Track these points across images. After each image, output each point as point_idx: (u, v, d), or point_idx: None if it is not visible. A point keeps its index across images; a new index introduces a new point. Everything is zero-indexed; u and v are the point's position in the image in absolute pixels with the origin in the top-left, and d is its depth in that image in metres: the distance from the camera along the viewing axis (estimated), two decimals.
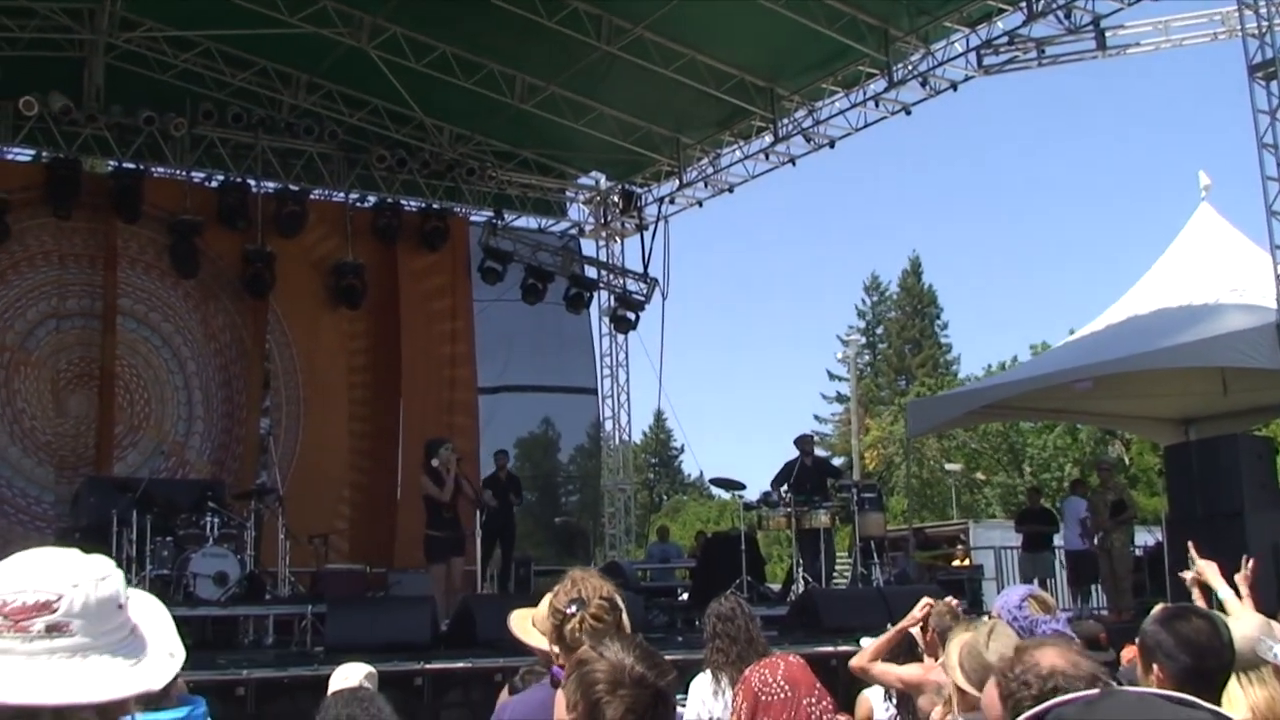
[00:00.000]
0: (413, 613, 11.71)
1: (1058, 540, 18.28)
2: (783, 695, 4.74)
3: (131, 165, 17.64)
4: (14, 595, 1.59)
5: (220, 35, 17.25)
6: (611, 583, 3.81)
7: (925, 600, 5.41)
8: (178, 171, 18.24)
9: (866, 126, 18.21)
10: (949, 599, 5.53)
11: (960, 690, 3.90)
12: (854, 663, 5.48)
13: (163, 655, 1.70)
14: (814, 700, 4.80)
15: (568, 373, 21.72)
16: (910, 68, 17.16)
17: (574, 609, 3.63)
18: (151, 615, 1.75)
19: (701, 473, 60.14)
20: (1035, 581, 15.22)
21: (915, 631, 5.48)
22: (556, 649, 3.68)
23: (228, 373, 18.45)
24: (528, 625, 5.88)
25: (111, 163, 17.86)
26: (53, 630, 1.59)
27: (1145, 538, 18.49)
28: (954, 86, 17.13)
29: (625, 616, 3.99)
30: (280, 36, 16.78)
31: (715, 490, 51.02)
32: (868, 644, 5.52)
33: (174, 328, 18.16)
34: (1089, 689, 2.70)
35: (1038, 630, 4.47)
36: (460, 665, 10.07)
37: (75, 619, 1.60)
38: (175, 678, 1.81)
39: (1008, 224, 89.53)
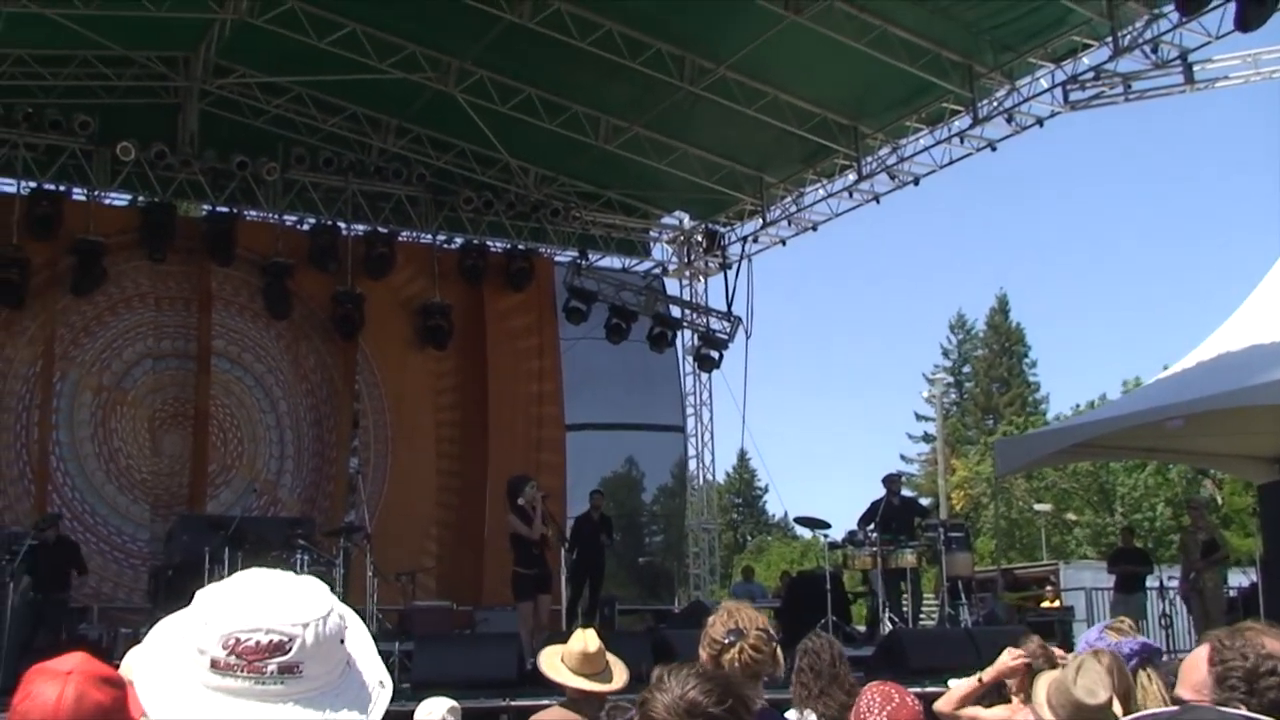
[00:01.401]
0: (499, 650, 11.78)
1: (1151, 581, 17.97)
2: None
3: (225, 209, 18.05)
4: (248, 634, 1.57)
5: (311, 81, 17.64)
6: (764, 615, 3.84)
7: (1017, 652, 5.34)
8: (270, 215, 18.64)
9: (951, 163, 18.09)
10: (1034, 639, 5.46)
11: None
12: (939, 706, 5.42)
13: (375, 687, 1.69)
14: None
15: (653, 410, 21.77)
16: (995, 104, 17.05)
17: (732, 639, 3.66)
18: (358, 640, 1.73)
19: (786, 513, 59.79)
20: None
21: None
22: None
23: (318, 412, 18.74)
24: (556, 662, 5.93)
25: (205, 207, 18.29)
26: (285, 672, 1.57)
27: (1239, 579, 18.11)
28: (1040, 122, 16.98)
29: (780, 650, 4.03)
30: (370, 82, 17.09)
31: (800, 530, 50.77)
32: (956, 685, 5.47)
33: (266, 368, 18.50)
34: None
35: (1124, 650, 4.43)
36: (545, 702, 10.07)
37: (306, 660, 1.59)
38: None
39: (1097, 260, 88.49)
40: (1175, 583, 17.09)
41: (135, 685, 1.63)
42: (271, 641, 1.57)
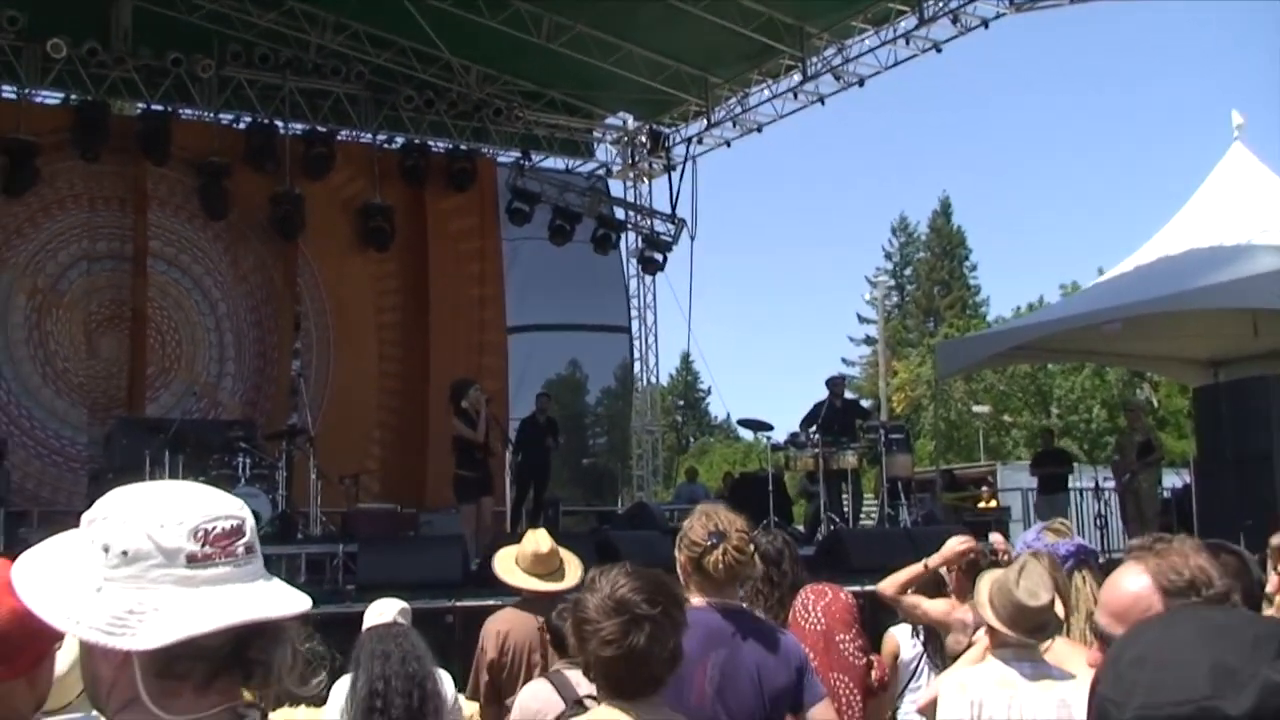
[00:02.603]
0: (444, 551, 11.84)
1: (1086, 482, 18.25)
2: (818, 627, 4.77)
3: (159, 107, 17.66)
4: (211, 522, 1.60)
5: None
6: (743, 518, 3.81)
7: (967, 539, 5.40)
8: (205, 113, 18.25)
9: (897, 65, 18.08)
10: (996, 538, 5.51)
11: (990, 628, 3.93)
12: (881, 588, 5.48)
13: None
14: (848, 639, 4.83)
15: (597, 312, 21.72)
16: (941, 4, 16.98)
17: (714, 541, 3.63)
18: None
19: (729, 415, 60.19)
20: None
21: (945, 572, 5.49)
22: (690, 582, 3.67)
23: (259, 314, 18.55)
24: (510, 564, 5.96)
25: (140, 105, 17.90)
26: (249, 551, 1.63)
27: (1173, 480, 18.43)
28: (985, 24, 16.94)
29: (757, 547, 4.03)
30: None
31: (742, 432, 51.08)
32: (892, 577, 5.53)
33: (204, 270, 18.25)
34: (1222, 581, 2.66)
35: (1060, 552, 4.50)
36: (491, 603, 10.11)
37: (255, 539, 1.65)
38: None
39: (1038, 165, 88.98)
40: (1111, 483, 17.38)
41: (94, 629, 1.57)
42: (233, 525, 1.62)
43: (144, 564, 1.57)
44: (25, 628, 2.14)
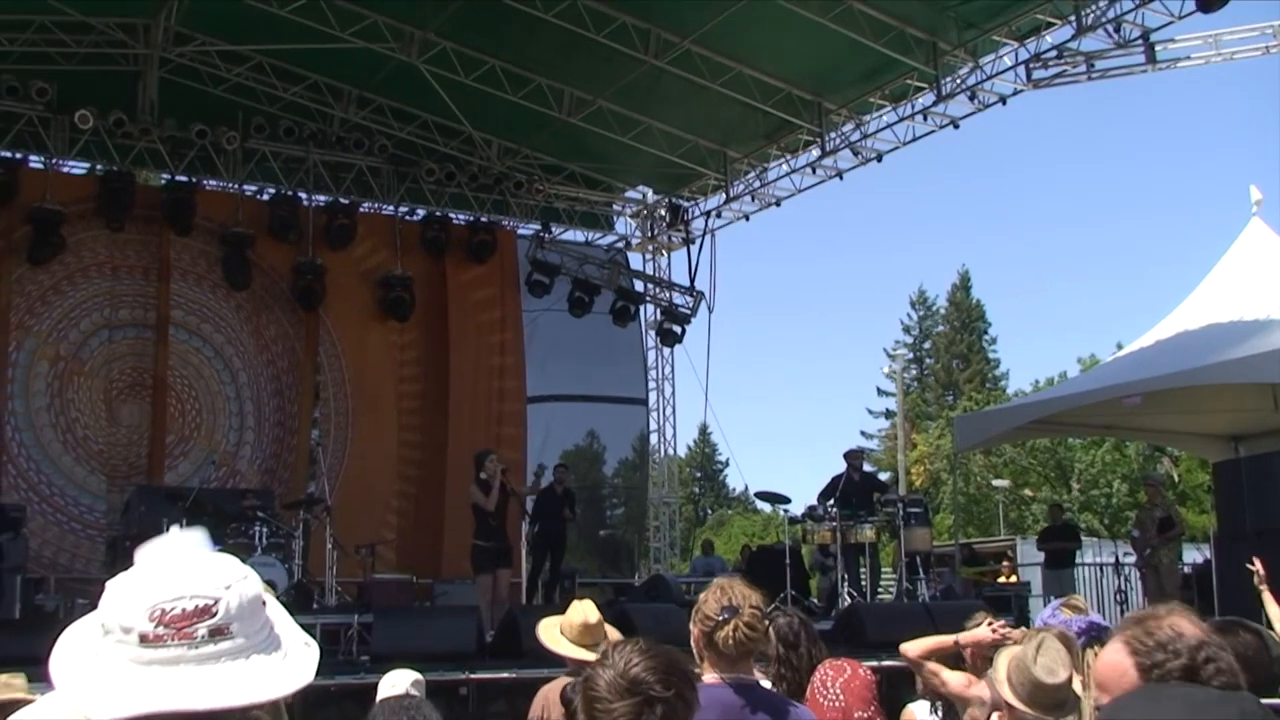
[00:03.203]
0: (459, 622, 11.77)
1: (1107, 557, 18.12)
2: (837, 704, 4.74)
3: (184, 178, 17.88)
4: (172, 602, 1.58)
5: (272, 50, 17.46)
6: (758, 593, 3.79)
7: (1001, 623, 5.33)
8: (230, 184, 18.48)
9: (914, 140, 18.20)
10: (1009, 626, 5.45)
11: (1009, 705, 3.90)
12: (906, 649, 5.42)
13: (301, 647, 1.71)
14: (866, 715, 4.80)
15: (616, 383, 21.78)
16: (958, 81, 17.11)
17: (726, 616, 3.61)
18: (277, 608, 1.75)
19: (746, 487, 59.94)
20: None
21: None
22: (704, 656, 3.65)
23: (279, 383, 18.64)
24: (556, 634, 5.92)
25: (165, 175, 18.11)
26: (215, 634, 1.59)
27: (1194, 555, 18.32)
28: (1003, 100, 17.07)
29: (773, 628, 4.00)
30: (331, 51, 16.94)
31: (760, 504, 50.94)
32: (921, 642, 5.47)
33: (225, 339, 18.37)
34: (1227, 654, 2.67)
35: (1073, 629, 4.46)
36: (505, 675, 10.12)
37: (233, 621, 1.60)
38: None
39: (1057, 238, 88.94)
40: (1131, 558, 17.25)
41: (62, 691, 1.60)
42: (197, 606, 1.59)
43: (111, 638, 1.59)
44: None
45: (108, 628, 1.60)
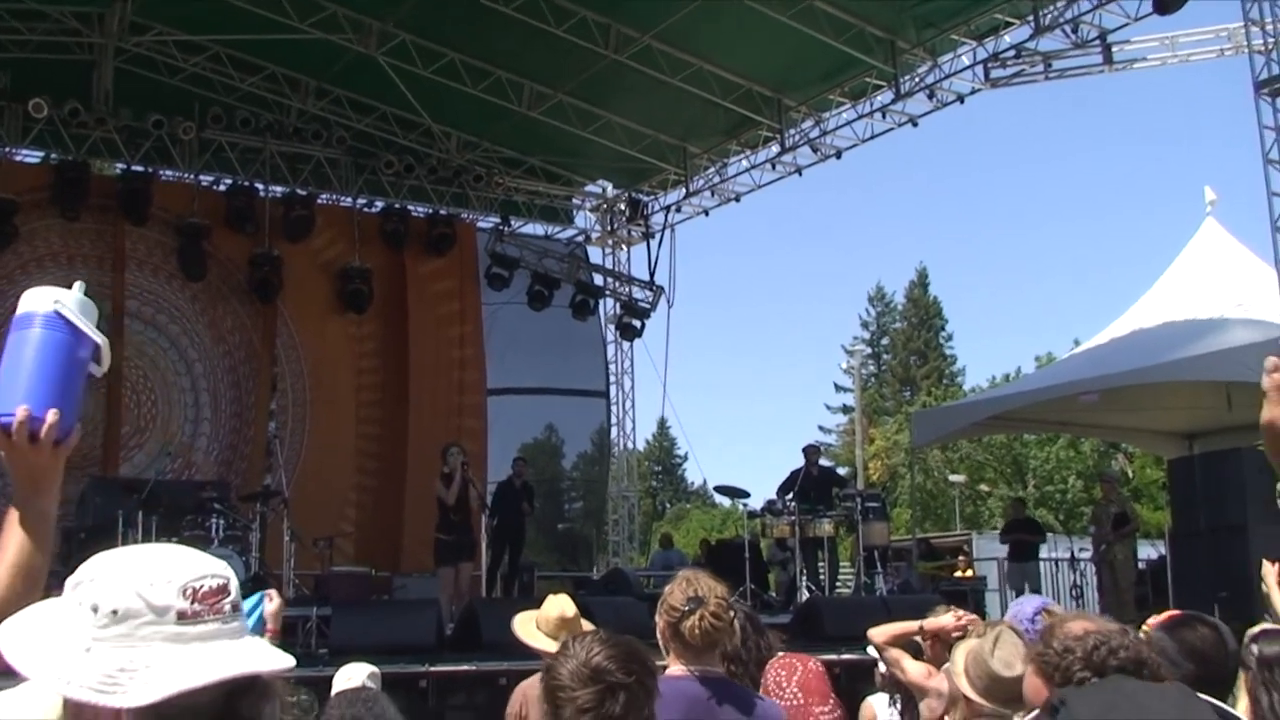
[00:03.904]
0: (418, 616, 11.75)
1: (1062, 552, 18.26)
2: (795, 702, 4.74)
3: (140, 168, 17.71)
4: (200, 580, 1.62)
5: (229, 40, 17.32)
6: (723, 585, 3.79)
7: (965, 617, 5.35)
8: (186, 175, 18.30)
9: (873, 138, 18.29)
10: (968, 615, 5.47)
11: (966, 698, 3.92)
12: (873, 633, 5.43)
13: None
14: (826, 710, 4.81)
15: (575, 376, 21.80)
16: (917, 80, 17.20)
17: (691, 607, 3.61)
18: None
19: (705, 480, 60.14)
20: (1025, 591, 15.23)
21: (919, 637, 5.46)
22: (669, 649, 3.65)
23: (236, 374, 18.51)
24: (532, 628, 5.90)
25: (120, 165, 17.95)
26: (235, 610, 1.64)
27: (1148, 551, 18.49)
28: (961, 99, 17.19)
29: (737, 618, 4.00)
30: (289, 42, 16.82)
31: (718, 498, 51.02)
32: (887, 627, 5.48)
33: (181, 330, 18.22)
34: (1125, 644, 2.77)
35: None
36: (465, 668, 10.11)
37: (239, 599, 1.66)
38: None
39: (1014, 236, 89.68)
40: (1087, 554, 17.41)
41: (85, 688, 1.57)
42: (219, 584, 1.63)
43: (134, 622, 1.58)
44: None
45: (129, 613, 1.59)
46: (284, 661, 1.64)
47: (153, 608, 1.59)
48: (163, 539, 12.88)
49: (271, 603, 5.24)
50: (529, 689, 5.77)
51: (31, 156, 17.94)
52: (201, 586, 1.61)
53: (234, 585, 1.65)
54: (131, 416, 17.61)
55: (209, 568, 1.64)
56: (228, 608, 1.63)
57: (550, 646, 5.79)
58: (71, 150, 17.22)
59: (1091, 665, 2.78)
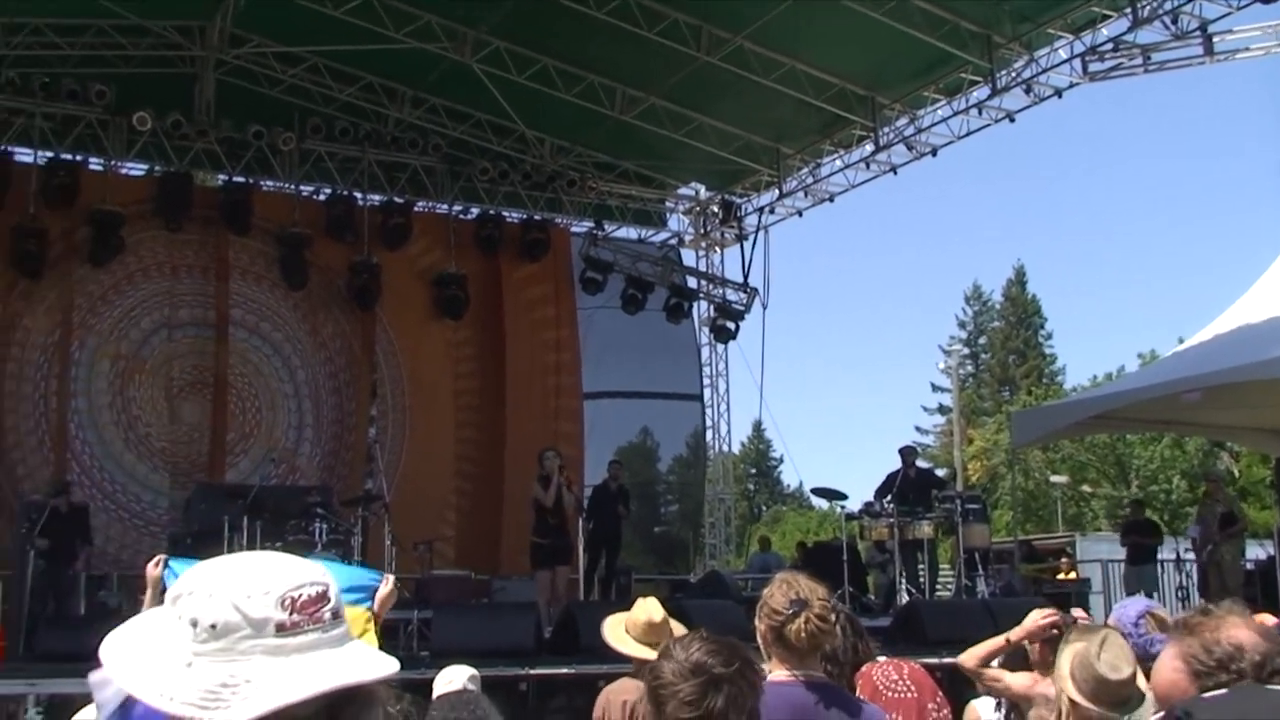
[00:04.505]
0: (517, 618, 11.83)
1: (1168, 554, 17.94)
2: (909, 695, 4.70)
3: (241, 179, 18.05)
4: (298, 589, 1.60)
5: (327, 50, 17.59)
6: (824, 586, 3.73)
7: (1051, 612, 5.28)
8: (286, 185, 18.63)
9: (969, 134, 18.08)
10: (1078, 613, 5.38)
11: (1072, 702, 3.87)
12: (962, 660, 5.36)
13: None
14: (936, 706, 4.76)
15: (670, 380, 21.81)
16: (1014, 75, 16.99)
17: (795, 610, 3.55)
18: None
19: (801, 483, 59.78)
20: (1140, 595, 14.97)
21: (1026, 643, 5.39)
22: (771, 653, 3.58)
23: (337, 381, 18.80)
24: (621, 632, 5.90)
25: (222, 176, 18.29)
26: (336, 617, 1.61)
27: (1256, 551, 18.08)
28: (1058, 93, 16.94)
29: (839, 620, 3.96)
30: (386, 52, 17.04)
31: (815, 501, 50.68)
32: (975, 649, 5.42)
33: (284, 337, 18.55)
34: None
35: (1152, 649, 4.39)
36: (564, 671, 10.16)
37: (340, 605, 1.64)
38: None
39: (1115, 233, 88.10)
40: (1192, 555, 17.08)
41: (187, 704, 1.56)
42: (319, 592, 1.61)
43: (233, 636, 1.57)
44: None
45: (226, 627, 1.57)
46: (386, 668, 1.62)
47: (251, 621, 1.57)
48: (267, 544, 13.11)
49: (385, 586, 5.29)
50: (611, 694, 5.79)
51: (136, 169, 18.36)
52: (300, 596, 1.59)
53: (334, 591, 1.63)
54: (236, 423, 17.95)
55: (307, 576, 1.62)
56: (328, 615, 1.60)
57: (638, 651, 5.80)
58: (174, 162, 17.60)
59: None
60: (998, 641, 5.32)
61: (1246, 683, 2.66)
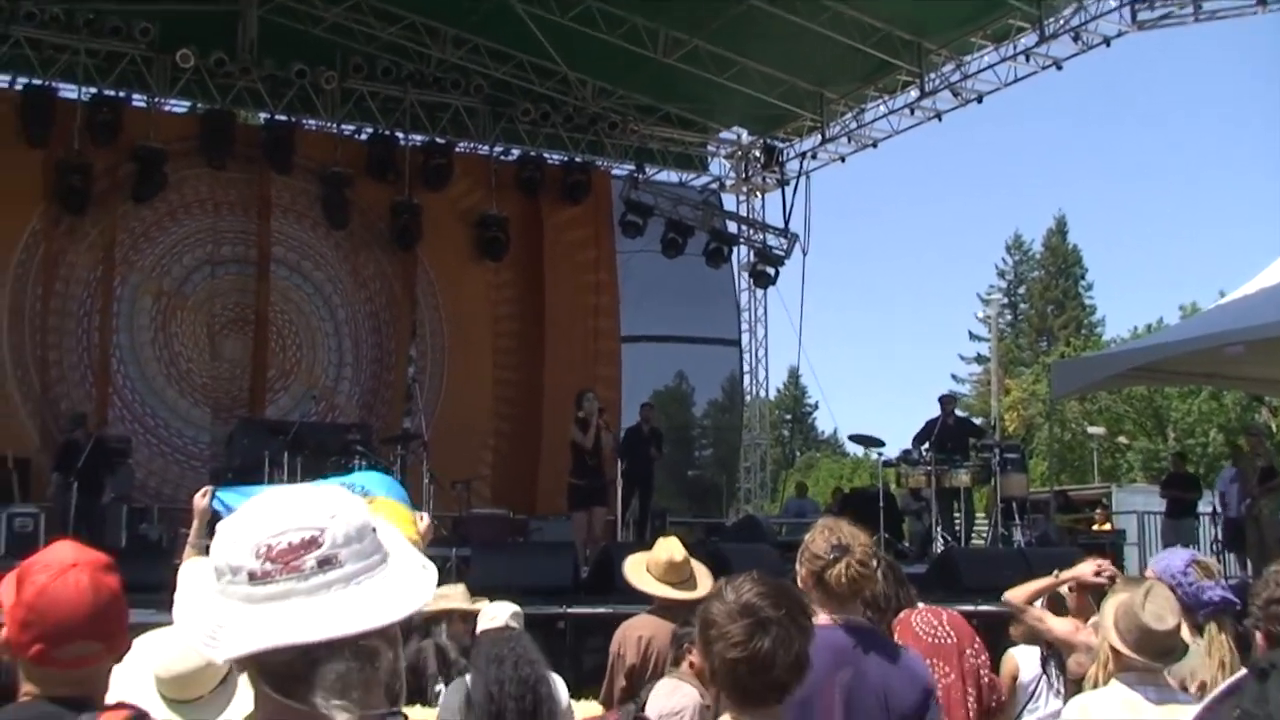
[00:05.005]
0: (555, 558, 11.93)
1: (1202, 506, 17.88)
2: (948, 641, 4.73)
3: (283, 118, 18.06)
4: (277, 537, 1.60)
5: None
6: (866, 532, 3.73)
7: (1103, 562, 5.28)
8: (328, 124, 18.63)
9: (1016, 81, 17.86)
10: (1109, 566, 5.37)
11: (1115, 651, 3.88)
12: (1010, 596, 5.38)
13: (418, 569, 1.71)
14: (974, 652, 4.79)
15: (708, 325, 21.78)
16: (1062, 22, 16.78)
17: (837, 554, 3.57)
18: (391, 534, 1.75)
19: (836, 429, 59.82)
20: (1178, 547, 14.92)
21: (1065, 591, 5.40)
22: (813, 598, 3.54)
23: (377, 319, 18.90)
24: (642, 571, 5.96)
25: (264, 115, 18.31)
26: (324, 564, 1.59)
27: None
28: (1107, 42, 16.71)
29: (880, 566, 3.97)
30: None
31: (849, 447, 50.67)
32: (1023, 587, 5.42)
33: (325, 276, 18.64)
34: None
35: (1204, 597, 4.39)
36: (602, 610, 10.23)
37: (341, 549, 1.61)
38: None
39: (1158, 185, 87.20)
40: (1220, 509, 17.01)
41: (199, 638, 1.63)
42: (303, 539, 1.60)
43: (223, 580, 1.62)
44: (120, 608, 2.26)
45: (220, 570, 1.62)
46: (359, 624, 1.58)
47: (230, 567, 1.61)
48: (308, 479, 13.24)
49: (422, 523, 5.36)
50: (628, 629, 5.87)
51: (179, 106, 18.38)
52: (278, 544, 1.59)
53: (330, 538, 1.60)
54: (277, 360, 18.09)
55: (297, 521, 1.61)
56: (310, 564, 1.59)
57: (659, 590, 5.86)
58: (217, 100, 17.62)
59: None
60: (1047, 580, 5.34)
61: None
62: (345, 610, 1.59)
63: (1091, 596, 5.08)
